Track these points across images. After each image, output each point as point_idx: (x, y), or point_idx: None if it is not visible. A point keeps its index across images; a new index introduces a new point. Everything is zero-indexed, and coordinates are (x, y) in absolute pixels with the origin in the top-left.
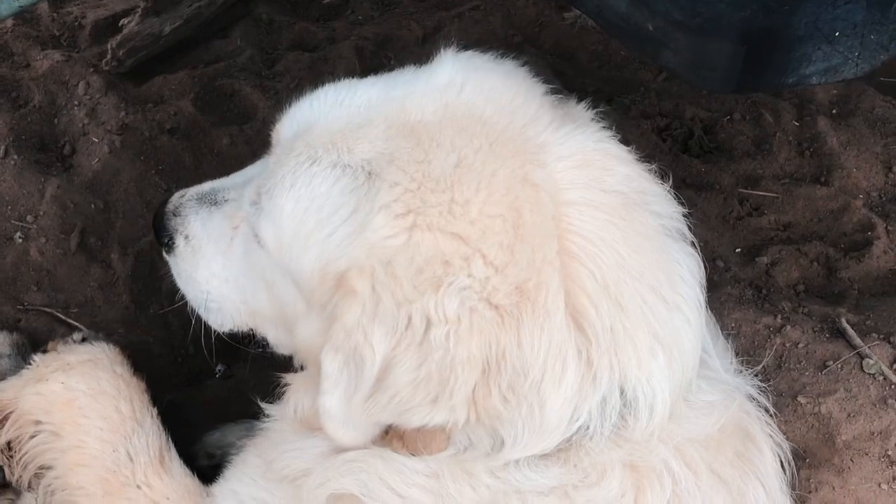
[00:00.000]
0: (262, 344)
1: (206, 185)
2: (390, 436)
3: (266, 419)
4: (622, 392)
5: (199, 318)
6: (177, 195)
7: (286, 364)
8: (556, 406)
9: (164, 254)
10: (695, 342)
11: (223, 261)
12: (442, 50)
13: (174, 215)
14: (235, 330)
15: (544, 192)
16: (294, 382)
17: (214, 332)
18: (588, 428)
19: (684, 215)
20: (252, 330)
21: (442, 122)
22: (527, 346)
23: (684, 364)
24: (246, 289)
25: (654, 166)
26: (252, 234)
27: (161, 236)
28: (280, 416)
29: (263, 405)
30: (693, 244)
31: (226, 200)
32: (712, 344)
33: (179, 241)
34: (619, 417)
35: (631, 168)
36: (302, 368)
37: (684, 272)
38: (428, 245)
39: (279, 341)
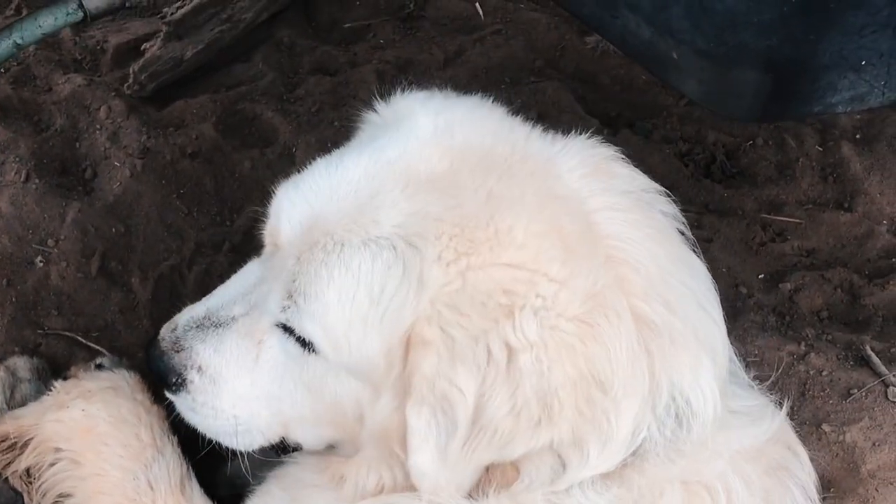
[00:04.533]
0: (295, 448)
1: (199, 309)
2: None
3: (288, 458)
4: (673, 399)
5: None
6: (165, 329)
7: None
8: (630, 417)
9: (171, 395)
10: (726, 343)
11: (251, 380)
12: (397, 97)
13: (175, 351)
14: (266, 444)
15: (572, 201)
16: (347, 470)
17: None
18: (649, 440)
19: (706, 240)
20: (283, 438)
21: (454, 166)
22: (613, 352)
23: (721, 367)
24: (282, 400)
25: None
26: (288, 344)
27: (168, 378)
28: (302, 458)
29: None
30: (695, 244)
31: (233, 318)
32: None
33: (192, 376)
34: (674, 427)
35: (626, 167)
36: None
37: (700, 271)
38: (483, 280)
39: (319, 440)
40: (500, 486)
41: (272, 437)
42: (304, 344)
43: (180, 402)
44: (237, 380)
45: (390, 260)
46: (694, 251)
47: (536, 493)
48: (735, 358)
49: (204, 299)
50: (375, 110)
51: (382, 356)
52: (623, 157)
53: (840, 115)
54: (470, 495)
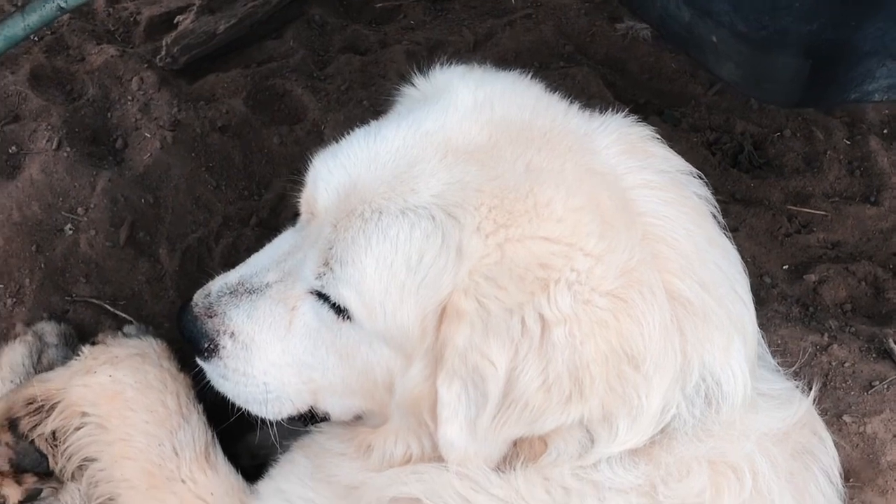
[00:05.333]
0: (323, 418)
1: (232, 276)
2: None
3: (315, 428)
4: (703, 379)
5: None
6: (198, 295)
7: None
8: (660, 394)
9: (203, 362)
10: (755, 325)
11: (282, 346)
12: (436, 71)
13: (208, 317)
14: (294, 413)
15: (609, 177)
16: (375, 439)
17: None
18: (677, 419)
19: (732, 228)
20: (311, 407)
21: (493, 138)
22: (646, 328)
23: (751, 349)
24: (313, 368)
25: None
26: (322, 311)
27: (200, 343)
28: (328, 428)
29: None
30: (725, 227)
31: (267, 285)
32: None
33: (224, 342)
34: (703, 407)
35: (662, 148)
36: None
37: (732, 254)
38: (521, 253)
39: (347, 410)
40: (527, 459)
41: (301, 406)
42: (339, 311)
43: (211, 368)
44: (269, 346)
45: (429, 229)
46: (726, 235)
47: (564, 466)
48: (762, 342)
49: (238, 267)
50: (414, 84)
51: (417, 325)
52: (659, 137)
53: (876, 103)
54: (497, 467)
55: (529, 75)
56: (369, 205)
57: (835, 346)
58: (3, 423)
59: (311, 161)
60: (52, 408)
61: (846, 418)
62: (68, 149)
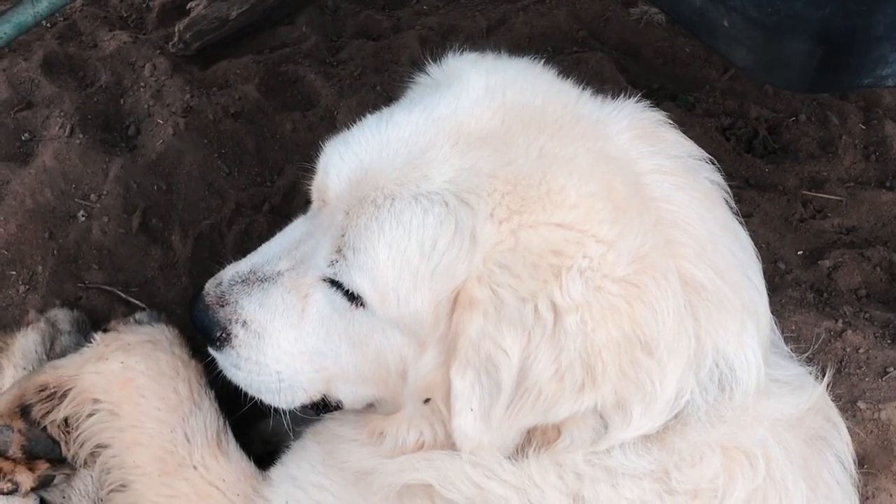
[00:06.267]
0: (336, 407)
1: (244, 264)
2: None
3: (328, 417)
4: (717, 365)
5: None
6: (210, 284)
7: None
8: (674, 379)
9: (215, 351)
10: (768, 311)
11: (295, 334)
12: (449, 58)
13: (220, 306)
14: (307, 402)
15: (623, 163)
16: (388, 426)
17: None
18: (691, 405)
19: (745, 214)
20: (324, 396)
21: (505, 124)
22: (660, 312)
23: (764, 336)
24: (326, 356)
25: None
26: (335, 298)
27: (212, 332)
28: (340, 415)
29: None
30: (738, 213)
31: (279, 273)
32: None
33: (237, 330)
34: (717, 393)
35: (674, 133)
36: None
37: (745, 240)
38: (535, 240)
39: (360, 398)
40: (540, 446)
41: (314, 395)
42: (352, 298)
43: (223, 358)
44: (282, 334)
45: (442, 215)
46: (738, 220)
47: (577, 453)
48: (775, 328)
49: (249, 255)
50: (426, 72)
51: (430, 311)
52: (671, 122)
53: (889, 88)
54: (510, 455)
55: (542, 61)
56: (381, 191)
57: (849, 332)
58: (16, 410)
59: (323, 147)
60: (65, 394)
61: (860, 404)
62: (81, 135)
